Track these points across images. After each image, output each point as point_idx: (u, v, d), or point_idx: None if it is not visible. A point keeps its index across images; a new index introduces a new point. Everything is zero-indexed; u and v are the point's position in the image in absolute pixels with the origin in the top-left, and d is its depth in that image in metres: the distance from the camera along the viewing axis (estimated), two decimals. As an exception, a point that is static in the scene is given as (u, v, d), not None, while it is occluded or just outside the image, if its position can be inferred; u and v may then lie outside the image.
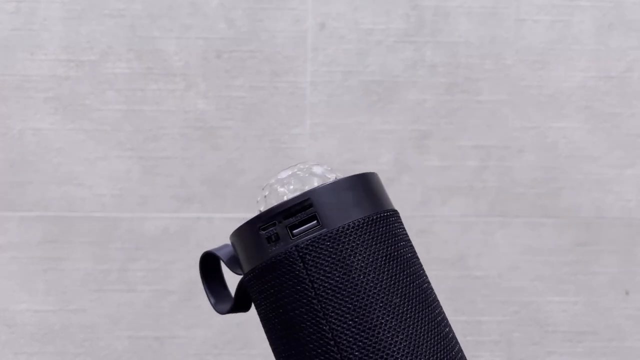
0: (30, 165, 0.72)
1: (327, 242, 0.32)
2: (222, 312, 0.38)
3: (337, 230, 0.32)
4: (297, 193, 0.34)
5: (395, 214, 0.34)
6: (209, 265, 0.37)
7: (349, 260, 0.32)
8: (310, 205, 0.33)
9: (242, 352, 0.74)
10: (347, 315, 0.31)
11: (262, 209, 0.35)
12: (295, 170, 0.36)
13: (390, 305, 0.32)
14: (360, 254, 0.32)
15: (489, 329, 0.75)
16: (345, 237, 0.32)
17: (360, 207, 0.33)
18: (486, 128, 0.74)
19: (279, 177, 0.36)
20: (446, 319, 0.35)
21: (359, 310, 0.31)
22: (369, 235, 0.33)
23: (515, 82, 0.74)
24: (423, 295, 0.34)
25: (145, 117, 0.72)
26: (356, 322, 0.31)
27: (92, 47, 0.72)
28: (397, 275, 0.33)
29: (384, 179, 0.76)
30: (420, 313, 0.33)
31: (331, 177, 0.36)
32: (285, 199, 0.35)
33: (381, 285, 0.32)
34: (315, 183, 0.36)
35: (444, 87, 0.74)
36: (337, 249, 0.32)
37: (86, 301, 0.73)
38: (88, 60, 0.72)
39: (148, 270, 0.73)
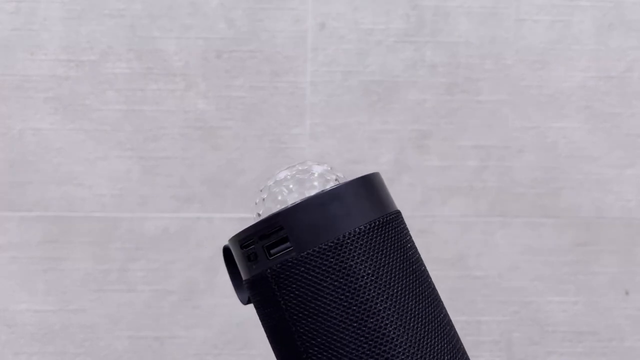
0: (30, 165, 0.72)
1: (298, 266, 0.31)
2: (243, 302, 0.38)
3: (307, 254, 0.31)
4: (296, 196, 0.34)
5: (369, 229, 0.33)
6: (230, 257, 0.37)
7: (319, 284, 0.31)
8: (281, 228, 0.32)
9: (242, 352, 0.74)
10: (318, 339, 0.31)
11: (261, 212, 0.35)
12: (294, 172, 0.36)
13: (364, 329, 0.31)
14: (330, 276, 0.31)
15: (489, 329, 0.75)
16: (314, 261, 0.31)
17: (333, 226, 0.32)
18: (486, 128, 0.74)
19: (277, 178, 0.36)
20: (447, 315, 0.35)
21: (328, 333, 0.31)
22: (341, 256, 0.32)
23: (515, 82, 0.74)
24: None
25: (145, 117, 0.72)
26: (326, 345, 0.31)
27: (92, 47, 0.72)
28: (372, 299, 0.31)
29: (384, 179, 0.76)
30: (417, 325, 0.33)
31: (331, 178, 0.36)
32: (280, 200, 0.34)
33: (352, 310, 0.31)
34: (316, 183, 0.35)
35: (444, 87, 0.74)
36: (307, 273, 0.31)
37: (86, 301, 0.73)
38: (88, 60, 0.72)
39: (148, 270, 0.73)
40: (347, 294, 0.31)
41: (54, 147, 0.72)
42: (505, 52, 0.74)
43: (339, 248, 0.31)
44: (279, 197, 0.35)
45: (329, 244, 0.31)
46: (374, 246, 0.32)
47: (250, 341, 0.74)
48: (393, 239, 0.33)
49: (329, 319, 0.31)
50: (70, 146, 0.72)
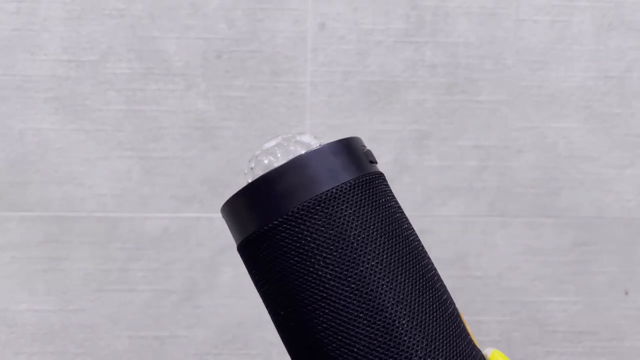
0: (30, 165, 0.72)
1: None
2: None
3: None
4: (283, 161, 0.35)
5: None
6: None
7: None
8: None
9: (242, 352, 0.74)
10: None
11: (250, 180, 0.36)
12: (280, 140, 0.37)
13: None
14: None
15: (488, 329, 0.75)
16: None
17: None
18: (486, 128, 0.74)
19: (264, 147, 0.36)
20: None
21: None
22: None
23: (515, 82, 0.74)
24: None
25: (146, 117, 0.72)
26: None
27: (93, 47, 0.72)
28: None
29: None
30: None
31: (315, 144, 0.37)
32: (267, 165, 0.36)
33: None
34: (300, 148, 0.36)
35: (443, 87, 0.74)
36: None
37: (86, 301, 0.73)
38: (88, 61, 0.72)
39: (148, 270, 0.73)
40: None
41: (54, 147, 0.72)
42: (505, 52, 0.74)
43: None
44: (266, 162, 0.36)
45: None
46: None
47: (250, 341, 0.74)
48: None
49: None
50: (70, 146, 0.72)
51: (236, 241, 0.36)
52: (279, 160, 0.36)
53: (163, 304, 0.74)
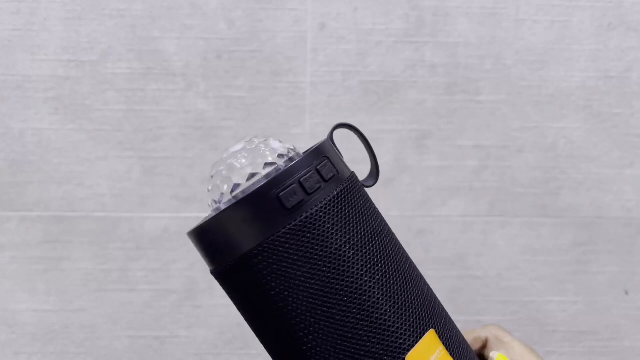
0: (30, 165, 0.72)
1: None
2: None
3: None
4: (250, 166, 0.36)
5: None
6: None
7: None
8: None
9: (242, 352, 0.74)
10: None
11: (219, 182, 0.36)
12: (246, 144, 0.37)
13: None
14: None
15: (488, 328, 0.75)
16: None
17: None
18: (486, 128, 0.74)
19: (231, 150, 0.37)
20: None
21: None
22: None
23: (515, 82, 0.74)
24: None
25: (145, 117, 0.72)
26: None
27: (93, 47, 0.72)
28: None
29: (384, 179, 0.76)
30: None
31: (280, 148, 0.37)
32: (237, 169, 0.36)
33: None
34: (268, 153, 0.37)
35: (443, 87, 0.74)
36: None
37: (86, 301, 0.73)
38: (88, 61, 0.72)
39: (148, 270, 0.73)
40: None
41: (54, 147, 0.72)
42: (504, 52, 0.74)
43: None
44: (237, 166, 0.36)
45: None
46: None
47: (250, 341, 0.74)
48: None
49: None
50: (70, 146, 0.72)
51: (211, 267, 0.36)
52: (244, 165, 0.36)
53: (163, 304, 0.74)
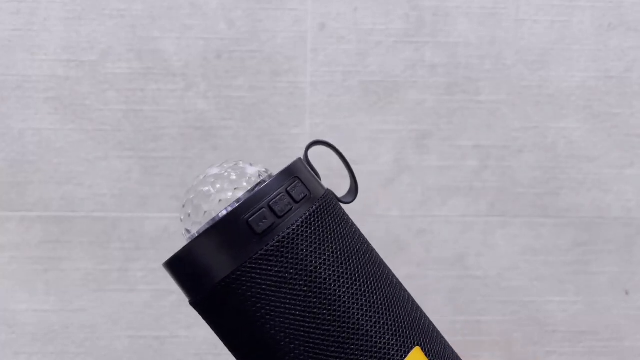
0: (30, 165, 0.72)
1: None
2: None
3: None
4: (226, 191, 0.36)
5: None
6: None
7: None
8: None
9: (242, 352, 0.74)
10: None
11: (190, 212, 0.36)
12: (222, 170, 0.37)
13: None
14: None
15: (488, 329, 0.75)
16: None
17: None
18: (486, 128, 0.74)
19: (206, 174, 0.37)
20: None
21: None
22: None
23: (515, 82, 0.74)
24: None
25: (145, 117, 0.72)
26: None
27: (93, 47, 0.72)
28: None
29: (384, 179, 0.76)
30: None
31: (253, 173, 0.37)
32: (209, 196, 0.36)
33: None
34: (243, 181, 0.36)
35: (443, 87, 0.74)
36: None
37: (86, 301, 0.73)
38: (88, 61, 0.72)
39: (148, 270, 0.73)
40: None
41: (54, 147, 0.72)
42: (504, 52, 0.74)
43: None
44: (207, 193, 0.36)
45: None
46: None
47: (250, 341, 0.74)
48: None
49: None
50: (70, 146, 0.72)
51: (189, 299, 0.36)
52: (218, 190, 0.36)
53: (163, 304, 0.74)
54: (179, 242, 0.73)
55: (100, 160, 0.73)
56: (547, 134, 0.74)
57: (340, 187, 0.41)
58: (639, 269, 0.76)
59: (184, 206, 0.37)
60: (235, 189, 0.36)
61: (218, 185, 0.36)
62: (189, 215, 0.36)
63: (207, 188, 0.36)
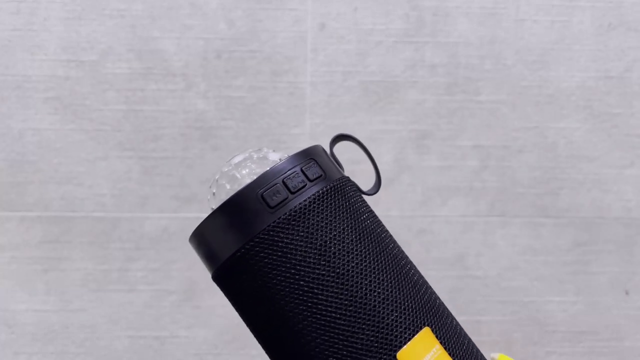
0: (30, 165, 0.72)
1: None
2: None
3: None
4: (250, 176, 0.37)
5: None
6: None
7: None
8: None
9: (242, 352, 0.74)
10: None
11: (215, 191, 0.37)
12: (247, 155, 0.38)
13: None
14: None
15: (488, 329, 0.75)
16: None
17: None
18: (486, 128, 0.74)
19: (232, 162, 0.39)
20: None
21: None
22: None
23: (515, 82, 0.74)
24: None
25: (145, 117, 0.72)
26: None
27: (92, 47, 0.72)
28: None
29: (384, 179, 0.76)
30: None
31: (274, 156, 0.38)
32: (238, 179, 0.37)
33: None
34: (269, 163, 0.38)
35: (443, 87, 0.74)
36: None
37: (86, 301, 0.73)
38: (88, 60, 0.72)
39: (148, 270, 0.73)
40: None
41: (54, 147, 0.72)
42: (504, 52, 0.74)
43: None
44: (238, 177, 0.37)
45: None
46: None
47: (250, 341, 0.74)
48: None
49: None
50: (70, 146, 0.72)
51: (210, 271, 0.37)
52: (247, 174, 0.38)
53: (163, 304, 0.74)
54: (179, 242, 0.74)
55: (100, 160, 0.73)
56: (547, 134, 0.74)
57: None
58: (639, 269, 0.76)
59: (210, 187, 0.39)
60: (257, 172, 0.37)
61: (241, 169, 0.38)
62: (214, 194, 0.38)
63: (231, 170, 0.37)
